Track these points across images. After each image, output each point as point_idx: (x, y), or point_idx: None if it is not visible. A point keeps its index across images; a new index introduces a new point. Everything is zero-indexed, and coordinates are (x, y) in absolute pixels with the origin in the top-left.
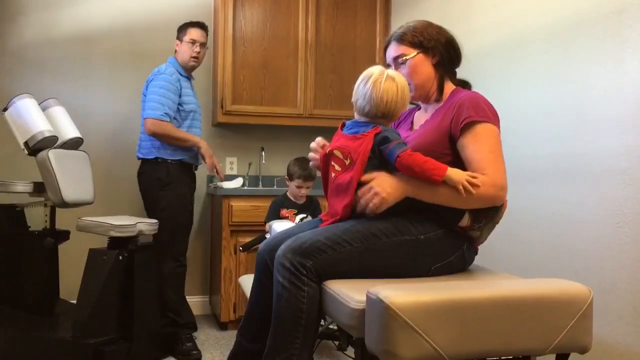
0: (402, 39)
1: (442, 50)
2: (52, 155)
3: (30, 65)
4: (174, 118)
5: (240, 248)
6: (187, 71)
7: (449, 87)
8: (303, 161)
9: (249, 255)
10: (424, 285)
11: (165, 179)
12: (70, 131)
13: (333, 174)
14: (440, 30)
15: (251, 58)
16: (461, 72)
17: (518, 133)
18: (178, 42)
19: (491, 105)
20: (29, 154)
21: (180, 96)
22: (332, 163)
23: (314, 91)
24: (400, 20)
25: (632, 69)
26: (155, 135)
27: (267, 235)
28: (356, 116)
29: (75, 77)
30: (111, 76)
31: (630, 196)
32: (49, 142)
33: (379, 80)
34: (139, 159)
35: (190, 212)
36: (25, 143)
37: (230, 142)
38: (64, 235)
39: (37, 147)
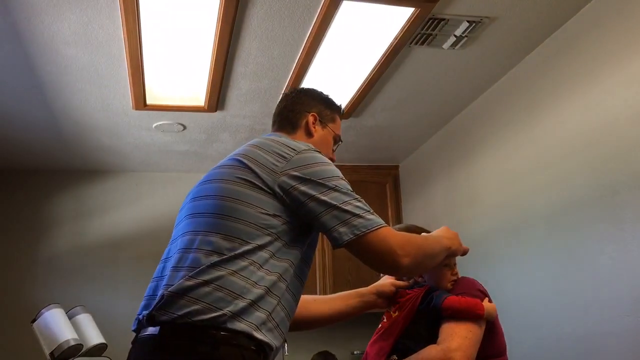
0: None
1: None
2: None
3: (60, 273)
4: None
5: None
6: None
7: None
8: (327, 355)
9: None
10: None
11: None
12: (94, 338)
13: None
14: None
15: None
16: (469, 255)
17: (521, 314)
18: (314, 120)
19: None
20: None
21: None
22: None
23: (333, 278)
24: (411, 206)
25: (633, 247)
26: (415, 266)
27: None
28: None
29: (102, 282)
30: (136, 278)
31: None
32: (74, 350)
33: None
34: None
35: None
36: (51, 353)
37: None
38: None
39: (62, 356)
